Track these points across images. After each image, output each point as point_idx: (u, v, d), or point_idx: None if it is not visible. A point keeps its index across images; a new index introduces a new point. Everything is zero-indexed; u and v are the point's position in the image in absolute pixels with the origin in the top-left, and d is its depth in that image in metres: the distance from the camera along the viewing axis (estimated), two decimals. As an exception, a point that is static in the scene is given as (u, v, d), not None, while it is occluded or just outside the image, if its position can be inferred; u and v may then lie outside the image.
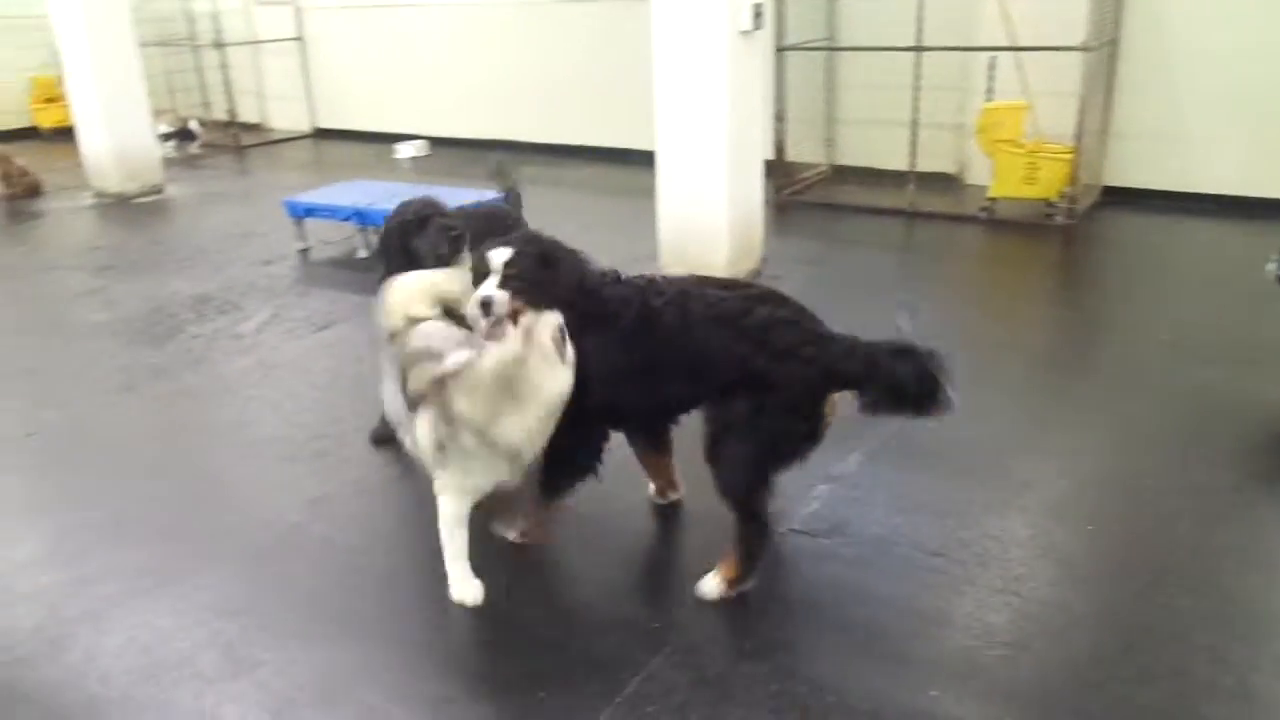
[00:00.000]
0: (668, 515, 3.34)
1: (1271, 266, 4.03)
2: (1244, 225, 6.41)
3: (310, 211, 6.54)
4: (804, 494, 3.38)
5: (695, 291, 2.79)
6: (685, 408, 2.95)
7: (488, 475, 2.75)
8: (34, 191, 8.59)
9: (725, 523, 2.83)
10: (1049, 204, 6.90)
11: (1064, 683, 2.51)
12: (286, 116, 11.53)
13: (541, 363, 2.56)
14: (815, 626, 2.76)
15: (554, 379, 2.59)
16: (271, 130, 11.50)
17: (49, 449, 3.99)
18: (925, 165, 7.47)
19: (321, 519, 3.38)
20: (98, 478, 3.74)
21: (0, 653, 2.72)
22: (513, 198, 4.83)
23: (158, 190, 8.59)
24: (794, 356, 2.66)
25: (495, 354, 2.61)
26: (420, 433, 2.77)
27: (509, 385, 2.57)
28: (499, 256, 2.87)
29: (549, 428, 2.67)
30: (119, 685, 2.57)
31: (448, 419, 2.64)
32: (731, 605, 2.83)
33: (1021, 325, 5.23)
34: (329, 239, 6.70)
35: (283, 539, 3.27)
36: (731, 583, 2.84)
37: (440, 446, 2.71)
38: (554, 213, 7.70)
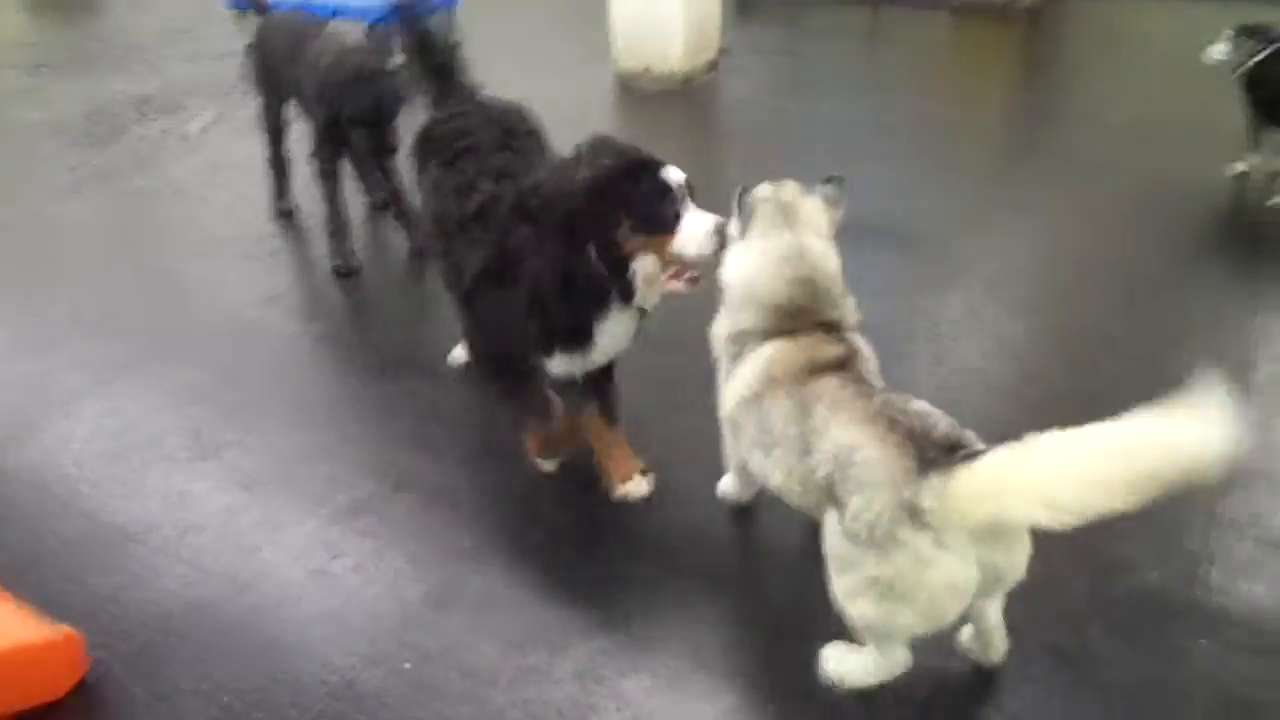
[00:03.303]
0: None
1: (1215, 49, 4.01)
2: (1208, 5, 6.26)
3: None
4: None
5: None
6: None
7: None
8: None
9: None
10: (1015, -13, 6.71)
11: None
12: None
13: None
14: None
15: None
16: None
17: (5, 246, 3.98)
18: (894, -52, 7.18)
19: (277, 313, 3.45)
20: (57, 275, 3.77)
21: (-21, 436, 2.84)
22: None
23: (89, -18, 8.14)
24: None
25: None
26: None
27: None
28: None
29: None
30: (92, 466, 2.70)
31: None
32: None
33: (980, 111, 5.20)
34: (272, 35, 6.44)
35: (242, 332, 3.34)
36: None
37: None
38: (511, 8, 7.43)
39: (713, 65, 5.74)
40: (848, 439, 1.74)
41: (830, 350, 1.93)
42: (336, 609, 2.22)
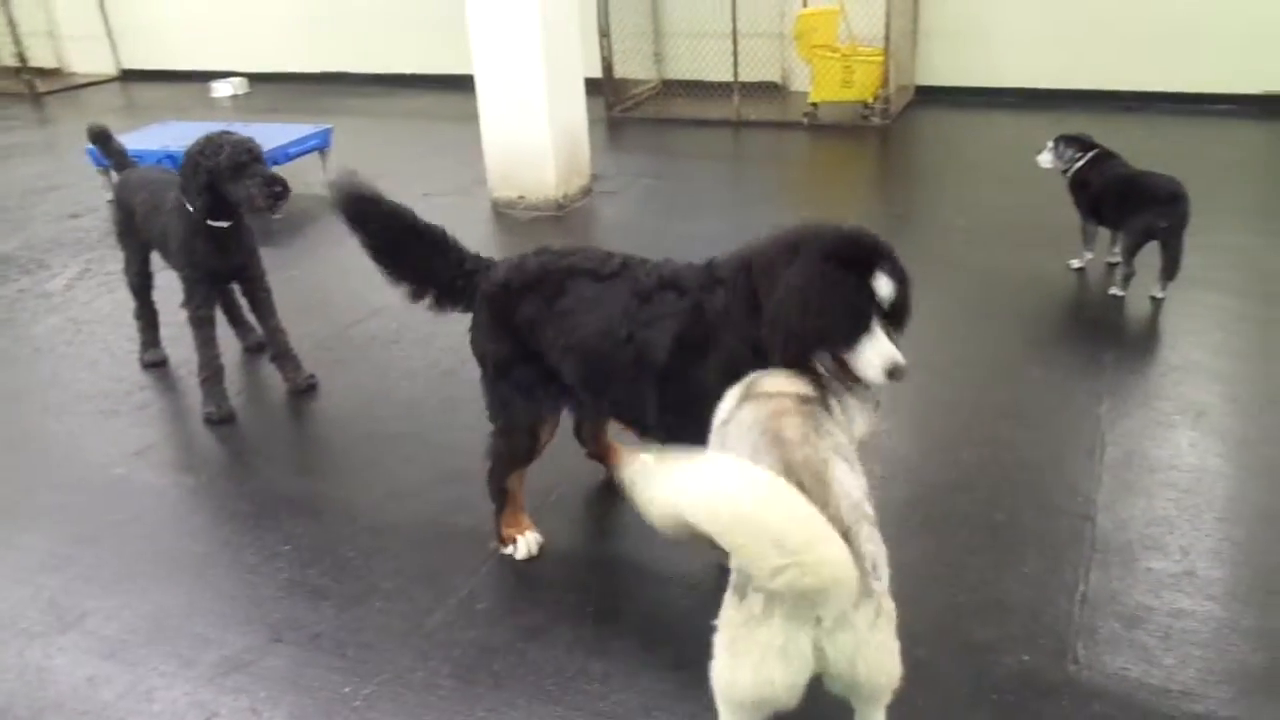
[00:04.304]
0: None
1: (1041, 156, 4.38)
2: (1041, 115, 6.83)
3: (118, 158, 6.21)
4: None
5: None
6: None
7: None
8: None
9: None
10: (865, 106, 7.18)
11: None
12: (87, 58, 10.80)
13: None
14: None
15: None
16: (72, 74, 10.78)
17: None
18: (751, 75, 7.65)
19: (146, 468, 3.35)
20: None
21: None
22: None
23: (-55, 147, 8.00)
24: None
25: None
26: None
27: None
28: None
29: None
30: (-62, 650, 2.53)
31: None
32: (547, 505, 2.98)
33: (837, 221, 5.49)
34: (142, 186, 6.40)
35: (106, 491, 3.22)
36: None
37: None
38: (385, 143, 7.59)
39: (586, 191, 5.94)
40: None
41: (803, 388, 2.00)
42: (207, 777, 2.11)
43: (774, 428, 1.87)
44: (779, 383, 2.01)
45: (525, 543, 2.76)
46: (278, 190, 3.40)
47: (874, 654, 1.74)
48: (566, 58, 5.67)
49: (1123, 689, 2.20)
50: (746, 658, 1.71)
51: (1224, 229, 4.68)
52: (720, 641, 1.78)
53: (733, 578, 1.76)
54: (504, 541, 2.78)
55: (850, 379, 2.09)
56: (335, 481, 3.23)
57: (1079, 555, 2.63)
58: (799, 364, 2.07)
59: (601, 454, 3.07)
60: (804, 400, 1.97)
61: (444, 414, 3.55)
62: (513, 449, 2.68)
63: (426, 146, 7.46)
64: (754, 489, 1.62)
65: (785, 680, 1.70)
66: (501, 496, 2.76)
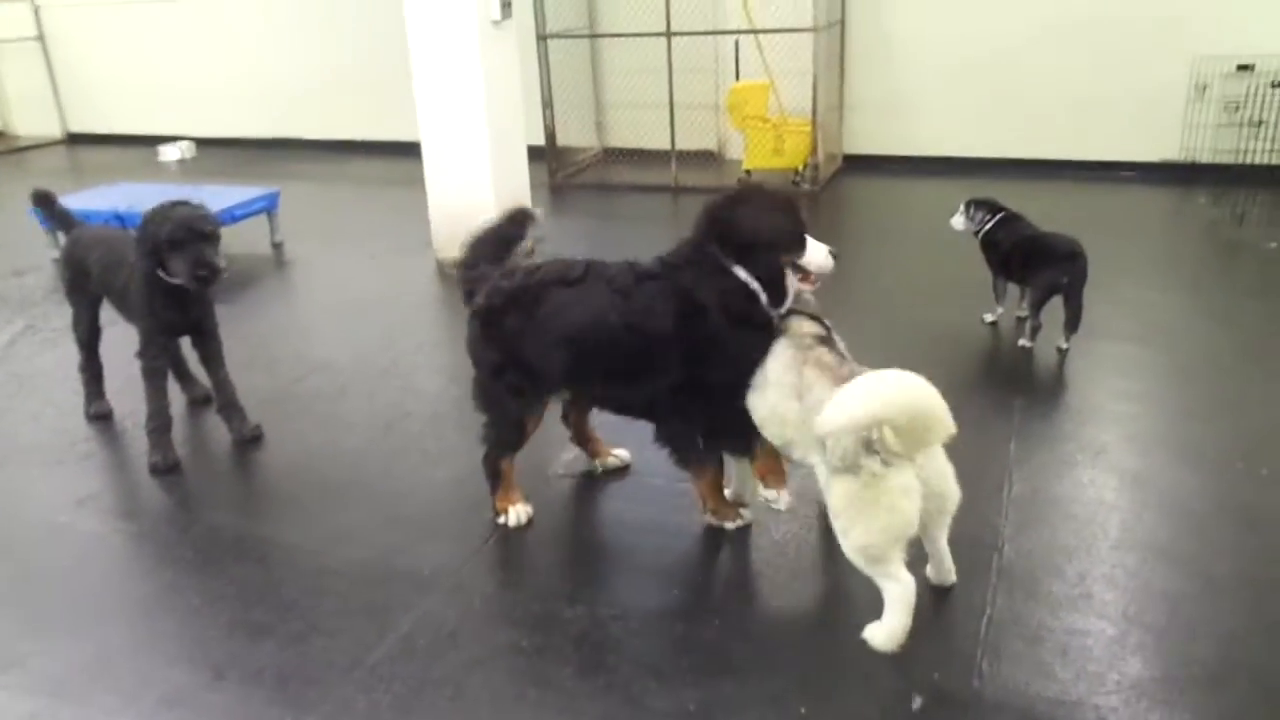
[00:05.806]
0: (436, 477, 3.55)
1: (954, 218, 4.68)
2: (959, 182, 7.18)
3: (63, 218, 6.26)
4: (562, 441, 3.66)
5: None
6: None
7: None
8: None
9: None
10: (796, 173, 7.52)
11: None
12: (32, 121, 10.85)
13: None
14: (564, 550, 3.06)
15: None
16: (16, 137, 10.80)
17: None
18: (688, 144, 7.97)
19: (90, 516, 3.39)
20: None
21: None
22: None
23: (-115, 208, 7.95)
24: None
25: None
26: None
27: None
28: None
29: None
30: (-124, 691, 2.55)
31: None
32: (485, 548, 3.09)
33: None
34: (87, 246, 6.44)
35: (48, 538, 3.26)
36: None
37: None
38: (333, 207, 7.73)
39: (529, 253, 6.11)
40: (827, 396, 2.41)
41: (819, 329, 2.80)
42: (150, 804, 2.17)
43: (815, 360, 2.65)
44: (804, 325, 2.80)
45: (515, 513, 3.20)
46: (202, 275, 3.48)
47: (949, 470, 2.57)
48: (510, 126, 5.91)
49: (1022, 702, 2.37)
50: (878, 507, 2.38)
51: (1125, 285, 5.01)
52: (848, 516, 2.44)
53: (836, 464, 2.40)
54: (499, 512, 3.21)
55: (802, 276, 2.87)
56: (279, 527, 3.31)
57: (987, 581, 2.81)
58: (775, 272, 2.80)
59: (583, 441, 3.50)
60: (822, 340, 2.75)
61: (385, 464, 3.65)
62: (504, 438, 3.14)
63: (374, 210, 7.62)
64: (921, 390, 2.32)
65: (912, 510, 2.39)
66: (495, 477, 3.19)
